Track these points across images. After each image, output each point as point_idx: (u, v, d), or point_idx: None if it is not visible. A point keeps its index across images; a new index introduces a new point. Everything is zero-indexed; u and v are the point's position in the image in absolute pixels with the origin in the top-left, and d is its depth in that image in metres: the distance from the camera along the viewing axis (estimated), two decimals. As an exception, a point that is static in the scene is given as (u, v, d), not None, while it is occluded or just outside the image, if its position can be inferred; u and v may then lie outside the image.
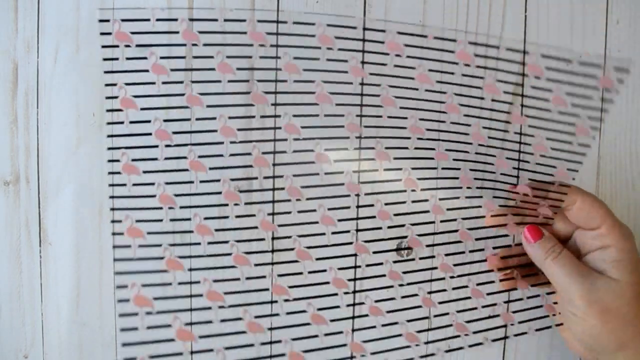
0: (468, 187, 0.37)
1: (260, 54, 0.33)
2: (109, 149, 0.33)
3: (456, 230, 0.38)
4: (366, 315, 0.38)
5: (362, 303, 0.37)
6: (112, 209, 0.33)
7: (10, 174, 0.41)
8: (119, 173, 0.33)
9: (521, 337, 0.40)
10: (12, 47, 0.40)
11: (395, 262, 0.39)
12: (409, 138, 0.35)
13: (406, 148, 0.36)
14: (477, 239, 0.39)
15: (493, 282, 0.39)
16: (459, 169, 0.37)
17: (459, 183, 0.37)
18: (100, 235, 0.41)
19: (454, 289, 0.38)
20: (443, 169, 0.37)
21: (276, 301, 0.34)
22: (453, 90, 0.37)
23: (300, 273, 0.34)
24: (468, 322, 0.39)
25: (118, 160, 0.32)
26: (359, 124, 0.35)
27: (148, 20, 0.32)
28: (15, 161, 0.41)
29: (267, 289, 0.34)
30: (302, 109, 0.34)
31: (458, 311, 0.39)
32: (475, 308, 0.39)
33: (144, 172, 0.32)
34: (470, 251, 0.39)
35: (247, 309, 0.33)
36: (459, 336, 0.39)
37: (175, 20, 0.32)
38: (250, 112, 0.34)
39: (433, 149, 0.36)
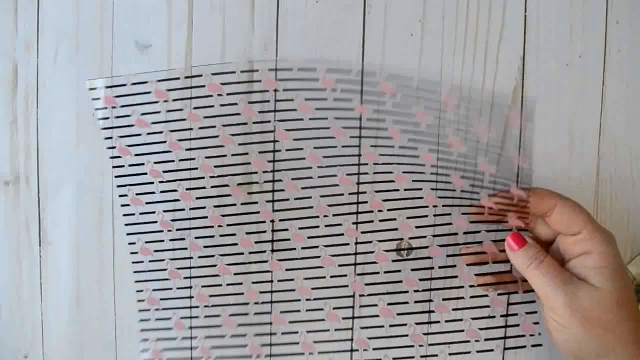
0: (434, 206, 0.39)
1: (220, 102, 0.39)
2: (118, 186, 0.40)
3: (427, 247, 0.39)
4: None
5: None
6: (128, 234, 0.40)
7: (10, 174, 0.41)
8: (128, 205, 0.40)
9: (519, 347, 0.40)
10: (12, 47, 0.40)
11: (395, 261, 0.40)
12: (366, 164, 0.39)
13: (367, 173, 0.40)
14: (448, 256, 0.39)
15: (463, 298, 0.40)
16: (420, 189, 0.39)
17: (424, 203, 0.39)
18: (100, 235, 0.41)
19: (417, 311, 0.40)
20: (405, 190, 0.39)
21: (247, 304, 0.40)
22: (391, 118, 0.39)
23: (271, 281, 0.40)
24: (425, 334, 0.40)
25: (126, 195, 0.40)
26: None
27: (125, 85, 0.39)
28: (15, 161, 0.41)
29: (242, 293, 0.40)
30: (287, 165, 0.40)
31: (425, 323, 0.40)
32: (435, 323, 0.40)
33: (147, 203, 0.40)
34: (440, 267, 0.40)
35: (226, 309, 0.41)
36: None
37: (146, 82, 0.39)
38: (222, 152, 0.39)
39: (391, 172, 0.39)
